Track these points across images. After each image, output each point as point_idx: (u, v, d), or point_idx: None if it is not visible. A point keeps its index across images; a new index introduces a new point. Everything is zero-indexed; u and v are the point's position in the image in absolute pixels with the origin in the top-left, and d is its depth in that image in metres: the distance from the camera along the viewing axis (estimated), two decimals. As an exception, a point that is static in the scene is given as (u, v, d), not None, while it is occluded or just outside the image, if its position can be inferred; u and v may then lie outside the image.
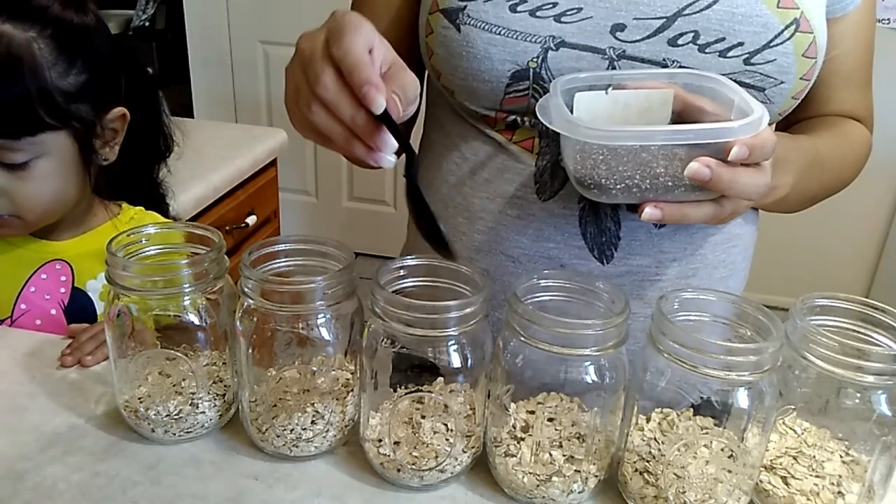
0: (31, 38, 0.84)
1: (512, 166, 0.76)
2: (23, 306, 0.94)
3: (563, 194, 0.75)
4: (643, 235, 0.75)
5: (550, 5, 0.70)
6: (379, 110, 0.55)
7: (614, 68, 0.70)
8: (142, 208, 1.03)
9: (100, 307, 0.96)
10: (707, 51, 0.69)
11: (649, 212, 0.64)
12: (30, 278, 0.94)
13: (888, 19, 2.39)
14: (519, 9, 0.70)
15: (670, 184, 0.63)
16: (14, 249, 0.95)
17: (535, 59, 0.70)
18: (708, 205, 0.65)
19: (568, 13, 0.70)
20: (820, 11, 0.73)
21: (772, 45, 0.69)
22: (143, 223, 0.98)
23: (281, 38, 2.78)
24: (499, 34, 0.70)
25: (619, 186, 0.64)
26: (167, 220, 1.04)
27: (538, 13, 0.70)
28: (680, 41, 0.69)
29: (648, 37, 0.70)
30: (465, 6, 0.71)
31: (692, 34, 0.69)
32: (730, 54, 0.69)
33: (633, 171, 0.63)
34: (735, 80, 0.69)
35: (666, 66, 0.70)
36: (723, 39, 0.69)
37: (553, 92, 0.66)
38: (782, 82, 0.71)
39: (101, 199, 1.00)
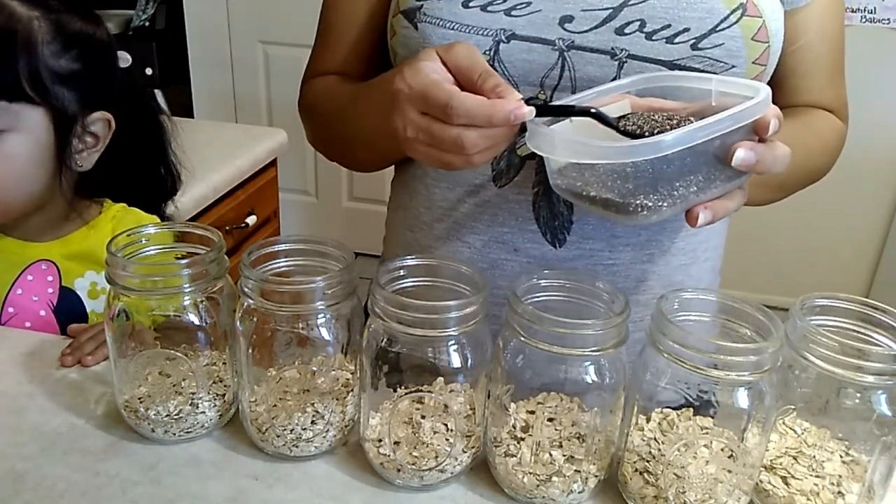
0: (34, 17, 0.85)
1: None
2: (10, 310, 0.93)
3: (518, 180, 0.76)
4: (595, 220, 0.76)
5: (501, 0, 0.72)
6: (531, 116, 0.60)
7: (564, 59, 0.71)
8: (124, 205, 1.01)
9: (89, 305, 0.96)
10: (654, 38, 0.70)
11: (703, 217, 0.63)
12: (15, 281, 0.93)
13: (888, 19, 2.39)
14: (471, 4, 0.72)
15: (710, 183, 0.62)
16: None
17: (487, 52, 0.72)
18: (738, 192, 0.65)
19: (518, 7, 0.72)
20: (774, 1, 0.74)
21: (718, 29, 0.70)
22: (124, 221, 0.98)
23: (281, 38, 2.78)
24: (452, 29, 0.72)
25: (666, 203, 0.62)
26: (151, 216, 1.02)
27: (489, 8, 0.72)
28: (627, 30, 0.71)
29: (596, 27, 0.71)
30: (422, 5, 0.74)
31: (638, 22, 0.70)
32: (677, 40, 0.70)
33: (676, 180, 0.62)
34: (684, 66, 0.70)
35: (615, 55, 0.71)
36: (669, 26, 0.70)
37: (537, 131, 0.64)
38: (733, 66, 0.71)
39: (84, 198, 0.98)
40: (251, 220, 1.72)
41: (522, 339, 0.59)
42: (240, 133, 1.87)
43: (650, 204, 0.61)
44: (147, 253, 0.70)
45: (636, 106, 0.67)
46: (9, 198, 0.88)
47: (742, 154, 0.61)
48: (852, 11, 2.40)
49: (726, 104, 0.64)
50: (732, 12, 0.70)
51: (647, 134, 0.62)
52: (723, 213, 0.64)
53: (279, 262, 0.67)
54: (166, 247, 0.71)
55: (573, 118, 0.67)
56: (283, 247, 0.67)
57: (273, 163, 1.82)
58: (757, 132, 0.62)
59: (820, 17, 0.80)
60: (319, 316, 0.64)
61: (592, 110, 0.64)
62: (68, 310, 0.95)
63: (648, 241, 0.78)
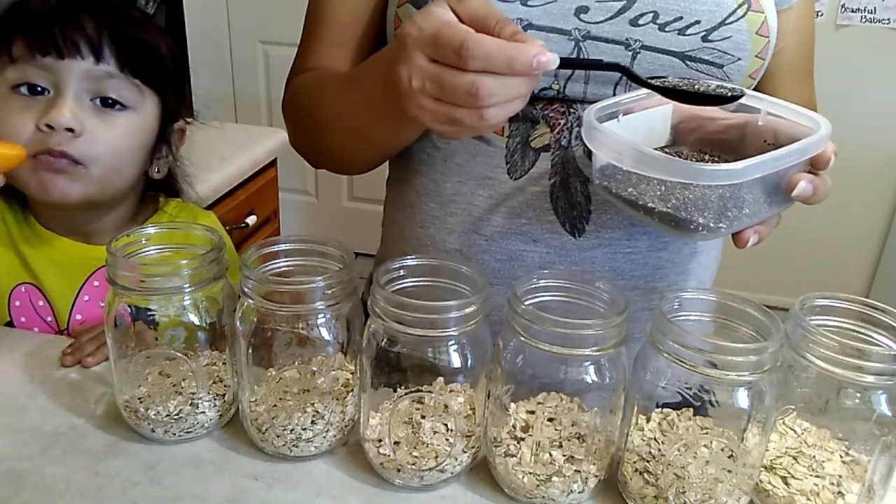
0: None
1: (483, 150, 0.77)
2: (78, 316, 0.92)
3: (534, 172, 0.76)
4: (613, 209, 0.76)
5: None
6: (555, 64, 0.56)
7: (580, 49, 0.72)
8: (179, 200, 1.02)
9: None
10: (667, 29, 0.71)
11: (752, 240, 0.65)
12: (82, 287, 0.92)
13: (888, 19, 2.39)
14: None
15: (760, 208, 0.64)
16: (63, 259, 0.92)
17: None
18: (775, 217, 0.67)
19: None
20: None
21: (727, 22, 0.72)
22: (181, 216, 0.99)
23: (281, 38, 2.78)
24: None
25: (724, 224, 0.63)
26: (207, 212, 1.05)
27: None
28: (641, 21, 0.71)
29: (611, 18, 0.72)
30: None
31: (652, 14, 0.71)
32: (688, 32, 0.72)
33: (731, 204, 0.63)
34: (694, 57, 0.72)
35: (629, 46, 0.71)
36: (681, 18, 0.71)
37: (598, 133, 0.63)
38: (739, 59, 0.73)
39: (143, 195, 0.98)
40: (251, 220, 1.72)
41: (522, 339, 0.59)
42: (240, 133, 1.87)
43: (711, 224, 0.62)
44: (147, 253, 0.70)
45: (677, 110, 0.69)
46: (111, 173, 0.88)
47: (803, 186, 0.63)
48: (852, 11, 2.40)
49: (772, 124, 0.67)
50: (739, 6, 0.72)
51: (681, 89, 0.63)
52: (765, 237, 0.66)
53: (279, 262, 0.67)
54: (166, 247, 0.71)
55: (621, 117, 0.67)
56: (283, 247, 0.67)
57: (273, 163, 1.82)
58: (816, 165, 0.64)
59: (797, 17, 0.82)
60: (319, 316, 0.64)
61: (621, 65, 0.64)
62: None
63: None
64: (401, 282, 0.65)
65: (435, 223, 0.81)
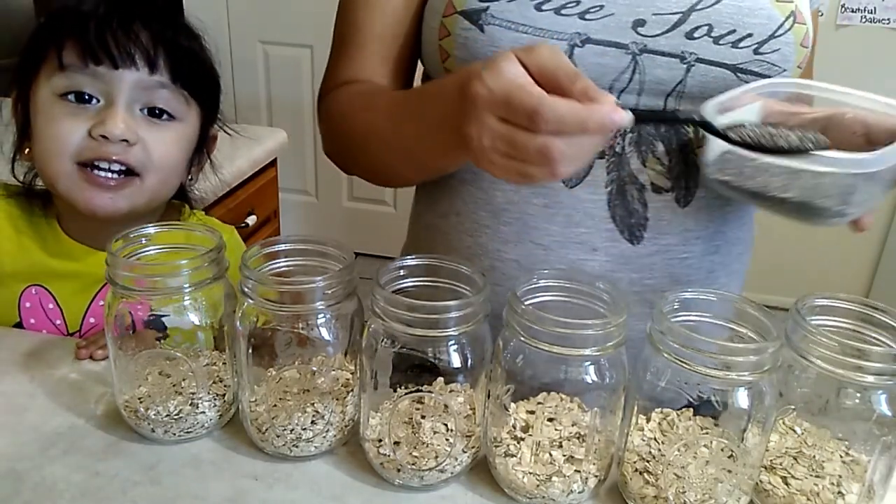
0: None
1: None
2: (91, 320, 0.92)
3: (589, 180, 0.76)
4: (669, 215, 0.77)
5: (574, 3, 0.72)
6: (629, 122, 0.56)
7: (636, 63, 0.72)
8: (201, 212, 1.02)
9: (170, 321, 0.95)
10: (721, 42, 0.72)
11: (867, 225, 0.71)
12: (98, 292, 0.92)
13: (888, 19, 2.39)
14: (544, 7, 0.71)
15: (872, 196, 0.67)
16: (82, 267, 0.91)
17: None
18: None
19: (591, 11, 0.72)
20: (807, 6, 0.78)
21: (776, 35, 0.73)
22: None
23: (281, 38, 2.79)
24: (525, 33, 0.71)
25: (851, 210, 0.66)
26: (229, 226, 1.04)
27: (563, 11, 0.72)
28: (696, 34, 0.72)
29: (667, 31, 0.72)
30: (488, 7, 0.72)
31: (706, 27, 0.72)
32: (741, 45, 0.72)
33: (849, 191, 0.65)
34: (745, 69, 0.73)
35: (684, 59, 0.72)
36: (734, 31, 0.72)
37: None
38: (784, 70, 0.74)
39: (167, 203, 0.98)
40: (251, 220, 1.72)
41: (522, 339, 0.59)
42: (240, 133, 1.86)
43: (846, 212, 0.66)
44: (147, 253, 0.70)
45: (769, 108, 0.71)
46: (171, 180, 0.88)
47: None
48: (852, 11, 2.40)
49: (860, 116, 0.69)
50: (787, 19, 0.73)
51: (759, 144, 0.63)
52: (869, 224, 0.71)
53: (279, 262, 0.67)
54: (166, 247, 0.71)
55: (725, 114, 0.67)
56: (283, 247, 0.67)
57: (273, 163, 1.82)
58: None
59: (813, 18, 0.82)
60: (319, 316, 0.64)
61: (696, 118, 0.64)
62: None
63: (715, 233, 0.80)
64: (401, 282, 0.65)
65: (487, 232, 0.80)
